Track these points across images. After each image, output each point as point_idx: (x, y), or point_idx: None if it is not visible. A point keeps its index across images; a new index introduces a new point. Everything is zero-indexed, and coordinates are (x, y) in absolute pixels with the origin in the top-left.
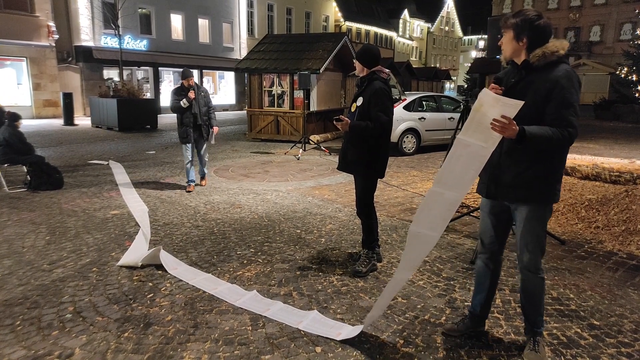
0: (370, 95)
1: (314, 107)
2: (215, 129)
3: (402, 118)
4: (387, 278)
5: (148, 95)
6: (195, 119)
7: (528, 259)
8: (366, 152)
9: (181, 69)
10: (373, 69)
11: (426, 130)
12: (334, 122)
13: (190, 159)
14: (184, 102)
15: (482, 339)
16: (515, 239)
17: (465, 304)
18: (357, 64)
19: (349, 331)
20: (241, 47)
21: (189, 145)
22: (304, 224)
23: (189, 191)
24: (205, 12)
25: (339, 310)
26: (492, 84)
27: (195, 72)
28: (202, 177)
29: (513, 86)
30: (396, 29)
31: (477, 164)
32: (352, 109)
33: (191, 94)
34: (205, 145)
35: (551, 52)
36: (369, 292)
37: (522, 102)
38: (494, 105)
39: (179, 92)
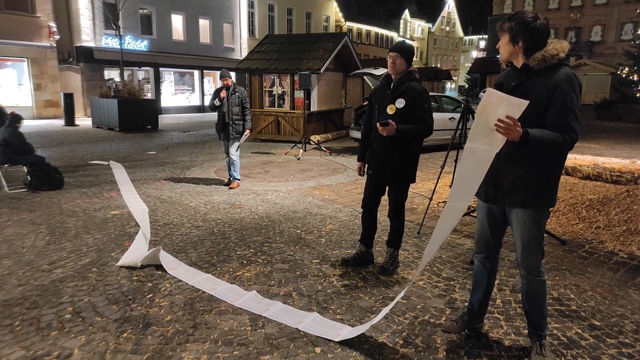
0: (415, 97)
1: (314, 108)
2: (247, 131)
3: None
4: (388, 278)
5: (149, 95)
6: (223, 118)
7: (528, 262)
8: (407, 158)
9: (182, 69)
10: (410, 69)
11: None
12: (378, 126)
13: (226, 155)
14: (216, 101)
15: (482, 339)
16: (514, 243)
17: (465, 303)
18: (397, 60)
19: (348, 332)
20: (242, 48)
21: (225, 142)
22: (304, 224)
23: (230, 187)
24: (206, 13)
25: (338, 311)
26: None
27: (195, 73)
28: (230, 179)
29: (513, 90)
30: (397, 29)
31: (482, 169)
32: (390, 112)
33: (222, 94)
34: (233, 146)
35: (551, 56)
36: (368, 293)
37: (527, 102)
38: (499, 105)
39: (218, 91)
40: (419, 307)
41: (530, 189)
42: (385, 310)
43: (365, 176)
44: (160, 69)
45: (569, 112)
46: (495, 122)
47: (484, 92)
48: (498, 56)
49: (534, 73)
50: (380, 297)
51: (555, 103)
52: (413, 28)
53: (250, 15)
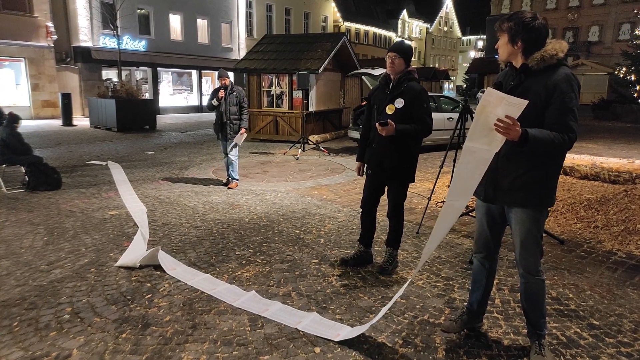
0: (413, 97)
1: (312, 108)
2: (242, 130)
3: None
4: (387, 278)
5: (147, 95)
6: (221, 117)
7: (527, 262)
8: (406, 157)
9: (180, 69)
10: (409, 69)
11: None
12: (377, 126)
13: (224, 155)
14: (214, 101)
15: (481, 338)
16: (513, 243)
17: (464, 303)
18: (396, 60)
19: (348, 332)
20: (240, 48)
21: (223, 142)
22: (302, 224)
23: (228, 187)
24: (204, 13)
25: (337, 311)
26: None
27: (193, 73)
28: (229, 179)
29: (512, 89)
30: (395, 30)
31: (481, 168)
32: (389, 112)
33: (220, 93)
34: (231, 146)
35: (550, 56)
36: (367, 293)
37: (526, 102)
38: (499, 105)
39: (216, 91)
40: (418, 306)
41: (530, 189)
42: (385, 310)
43: (364, 176)
44: (158, 69)
45: (568, 112)
46: (494, 122)
47: (482, 92)
48: (497, 56)
49: (532, 73)
50: (380, 297)
51: (554, 103)
52: (411, 28)
53: (248, 15)
